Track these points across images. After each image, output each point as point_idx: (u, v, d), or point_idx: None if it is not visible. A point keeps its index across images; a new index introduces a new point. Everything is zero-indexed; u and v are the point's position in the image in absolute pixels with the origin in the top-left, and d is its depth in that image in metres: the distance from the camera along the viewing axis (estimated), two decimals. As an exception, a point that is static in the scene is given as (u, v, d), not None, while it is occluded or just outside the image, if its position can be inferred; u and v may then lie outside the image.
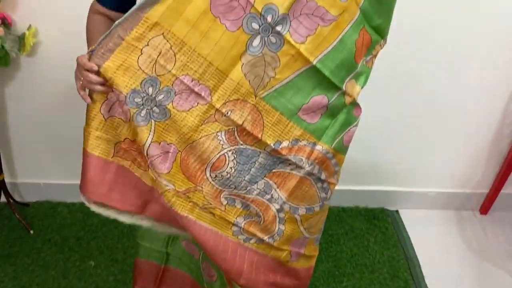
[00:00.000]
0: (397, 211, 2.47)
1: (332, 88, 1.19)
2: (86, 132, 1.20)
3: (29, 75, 2.02)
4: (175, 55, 1.09)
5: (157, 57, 1.09)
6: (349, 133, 1.29)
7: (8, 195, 2.20)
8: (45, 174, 2.33)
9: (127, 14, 1.07)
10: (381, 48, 1.26)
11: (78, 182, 1.24)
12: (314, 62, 1.13)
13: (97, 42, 1.10)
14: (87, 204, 1.25)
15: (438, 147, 2.28)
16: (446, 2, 1.85)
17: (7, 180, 2.25)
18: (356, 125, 1.31)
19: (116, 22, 1.08)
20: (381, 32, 1.22)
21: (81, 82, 1.14)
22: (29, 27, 1.86)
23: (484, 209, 2.47)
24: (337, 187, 1.34)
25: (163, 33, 1.07)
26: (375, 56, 1.26)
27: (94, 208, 1.26)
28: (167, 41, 1.07)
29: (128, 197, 1.27)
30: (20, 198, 2.37)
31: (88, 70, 1.11)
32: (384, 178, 2.40)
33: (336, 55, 1.15)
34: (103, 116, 1.18)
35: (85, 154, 1.22)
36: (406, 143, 2.26)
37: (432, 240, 2.32)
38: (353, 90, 1.25)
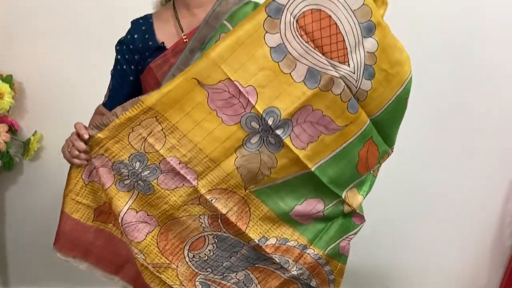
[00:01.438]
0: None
1: (330, 195, 1.17)
2: (66, 196, 1.18)
3: (30, 180, 2.04)
4: (165, 137, 1.09)
5: (147, 136, 1.10)
6: (347, 240, 1.25)
7: (-1, 302, 2.12)
8: (40, 281, 2.25)
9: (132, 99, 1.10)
10: (388, 157, 1.25)
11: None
12: (313, 169, 1.12)
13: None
14: (63, 258, 1.23)
15: (439, 250, 2.24)
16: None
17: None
18: (356, 233, 1.27)
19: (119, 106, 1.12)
20: (390, 142, 1.22)
21: (69, 150, 1.15)
22: (35, 133, 1.91)
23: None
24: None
25: (156, 116, 1.08)
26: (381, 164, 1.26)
27: (71, 261, 1.24)
28: (159, 123, 1.09)
29: (106, 257, 1.24)
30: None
31: (79, 136, 1.13)
32: (384, 282, 2.32)
33: (336, 163, 1.14)
34: (84, 182, 1.17)
35: (64, 215, 1.20)
36: (407, 247, 2.23)
37: None
38: (354, 200, 1.22)
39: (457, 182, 2.08)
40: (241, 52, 1.04)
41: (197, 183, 1.12)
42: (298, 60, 1.05)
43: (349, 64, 1.06)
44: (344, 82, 1.07)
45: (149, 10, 1.34)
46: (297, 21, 1.04)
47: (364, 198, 1.25)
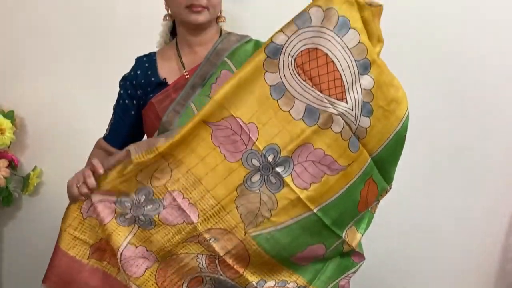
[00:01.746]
0: None
1: (332, 237, 1.16)
2: (64, 232, 1.16)
3: (29, 215, 2.02)
4: (171, 171, 1.10)
5: (154, 172, 1.11)
6: (346, 278, 1.24)
7: None
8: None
9: (147, 140, 1.12)
10: (386, 194, 1.25)
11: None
12: (315, 210, 1.11)
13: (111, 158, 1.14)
14: None
15: (440, 287, 2.20)
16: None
17: (-7, 323, 2.14)
18: (355, 272, 1.25)
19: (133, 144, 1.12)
20: (388, 179, 1.22)
21: (78, 185, 1.14)
22: (35, 168, 1.91)
23: None
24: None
25: (164, 156, 1.09)
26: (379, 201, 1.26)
27: None
28: (166, 160, 1.10)
29: None
30: None
31: (93, 173, 1.12)
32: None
33: (340, 205, 1.13)
34: (82, 216, 1.16)
35: (59, 251, 1.17)
36: (407, 284, 2.19)
37: None
38: (354, 238, 1.21)
39: (457, 217, 2.07)
40: (243, 91, 1.07)
41: (197, 220, 1.12)
42: (297, 98, 1.07)
43: (347, 101, 1.08)
44: (343, 119, 1.08)
45: (148, 46, 1.37)
46: (295, 60, 1.07)
47: (362, 236, 1.24)
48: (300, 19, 1.07)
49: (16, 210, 2.02)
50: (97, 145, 1.37)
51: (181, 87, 1.23)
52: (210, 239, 1.12)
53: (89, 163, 1.17)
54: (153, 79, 1.28)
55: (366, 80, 1.09)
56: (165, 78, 1.27)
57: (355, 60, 1.07)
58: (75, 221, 1.16)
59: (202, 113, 1.07)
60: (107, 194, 1.13)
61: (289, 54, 1.06)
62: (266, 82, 1.07)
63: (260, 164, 1.09)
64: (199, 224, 1.11)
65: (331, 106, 1.07)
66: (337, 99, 1.07)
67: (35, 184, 1.91)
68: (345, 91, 1.07)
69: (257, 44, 1.27)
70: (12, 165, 1.88)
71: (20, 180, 1.92)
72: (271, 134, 1.08)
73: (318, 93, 1.07)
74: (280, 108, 1.07)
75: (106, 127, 1.37)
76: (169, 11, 1.30)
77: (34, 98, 1.93)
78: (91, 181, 1.12)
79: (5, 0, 1.87)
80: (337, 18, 1.05)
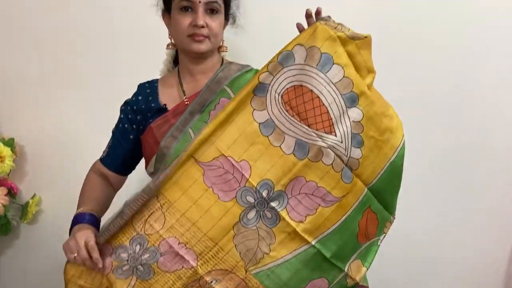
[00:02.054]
0: None
1: (333, 270, 1.15)
2: (69, 282, 1.15)
3: (27, 244, 2.00)
4: (164, 217, 1.09)
5: (148, 216, 1.10)
6: None
7: None
8: None
9: (137, 196, 1.09)
10: (391, 224, 1.25)
11: None
12: (313, 243, 1.11)
13: (107, 224, 1.13)
14: None
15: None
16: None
17: None
18: None
19: (126, 202, 1.12)
20: (390, 209, 1.22)
21: (72, 256, 1.12)
22: (34, 196, 1.90)
23: None
24: None
25: (156, 195, 1.09)
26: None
27: None
28: (158, 201, 1.09)
29: None
30: None
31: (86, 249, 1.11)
32: None
33: (338, 236, 1.13)
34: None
35: None
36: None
37: None
38: (358, 272, 1.20)
39: (458, 244, 2.05)
40: (233, 129, 1.09)
41: (197, 263, 1.11)
42: (286, 133, 1.09)
43: (335, 134, 1.10)
44: (334, 152, 1.10)
45: (149, 75, 1.39)
46: (281, 97, 1.09)
47: (367, 269, 1.23)
48: (284, 58, 1.09)
49: (14, 239, 2.00)
50: (93, 168, 1.38)
51: (180, 113, 1.24)
52: (211, 281, 1.11)
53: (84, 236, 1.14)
54: (153, 104, 1.29)
55: (355, 113, 1.11)
56: (165, 104, 1.29)
57: (341, 94, 1.10)
58: (78, 271, 1.15)
59: (191, 148, 1.08)
60: (103, 247, 1.13)
61: (275, 91, 1.10)
62: (255, 119, 1.09)
63: (255, 200, 1.09)
64: (199, 267, 1.11)
65: (319, 139, 1.09)
66: (326, 133, 1.09)
67: (33, 212, 1.89)
68: (333, 125, 1.10)
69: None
70: (11, 193, 1.87)
71: (18, 208, 1.90)
72: (263, 170, 1.09)
73: (306, 127, 1.09)
74: (271, 144, 1.09)
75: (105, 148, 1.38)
76: (172, 40, 1.32)
77: (34, 125, 1.93)
78: (83, 254, 1.11)
79: (5, 28, 1.90)
80: (319, 55, 1.08)
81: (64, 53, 1.88)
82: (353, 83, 1.10)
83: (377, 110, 1.13)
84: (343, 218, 1.12)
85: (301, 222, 1.10)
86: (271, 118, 1.09)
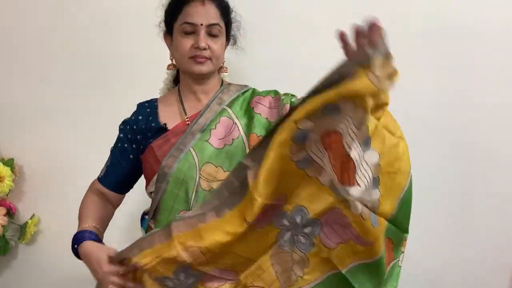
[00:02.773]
0: None
1: None
2: None
3: (25, 264, 1.99)
4: (205, 257, 1.08)
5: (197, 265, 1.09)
6: None
7: None
8: None
9: (186, 218, 1.09)
10: (406, 242, 1.21)
11: None
12: (344, 272, 1.10)
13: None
14: None
15: None
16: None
17: None
18: None
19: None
20: (405, 230, 1.18)
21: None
22: (32, 216, 1.90)
23: None
24: None
25: (202, 251, 1.07)
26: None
27: None
28: (204, 254, 1.08)
29: None
30: None
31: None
32: None
33: (367, 271, 1.11)
34: None
35: None
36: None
37: None
38: None
39: (457, 266, 2.03)
40: (272, 180, 1.03)
41: (238, 277, 1.12)
42: (323, 168, 1.05)
43: (359, 185, 1.05)
44: (361, 203, 1.05)
45: (149, 95, 1.40)
46: (321, 137, 1.02)
47: None
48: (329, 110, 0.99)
49: (12, 259, 1.99)
50: (91, 188, 1.38)
51: (181, 133, 1.25)
52: None
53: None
54: (153, 124, 1.29)
55: (371, 156, 1.06)
56: (165, 124, 1.29)
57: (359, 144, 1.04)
58: None
59: (240, 207, 1.05)
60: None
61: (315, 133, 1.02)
62: (292, 160, 1.04)
63: (289, 223, 1.08)
64: (241, 279, 1.12)
65: (345, 193, 1.04)
66: (350, 185, 1.04)
67: (32, 233, 1.89)
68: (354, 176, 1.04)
69: (254, 93, 1.32)
70: (10, 213, 1.86)
71: (17, 229, 1.89)
72: (298, 196, 1.06)
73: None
74: (307, 175, 1.05)
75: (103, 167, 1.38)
76: (173, 61, 1.34)
77: (34, 146, 1.94)
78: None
79: (5, 48, 1.92)
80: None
81: (64, 74, 1.89)
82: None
83: (388, 143, 1.09)
84: (376, 258, 1.09)
85: (334, 249, 1.08)
86: (309, 154, 1.04)
